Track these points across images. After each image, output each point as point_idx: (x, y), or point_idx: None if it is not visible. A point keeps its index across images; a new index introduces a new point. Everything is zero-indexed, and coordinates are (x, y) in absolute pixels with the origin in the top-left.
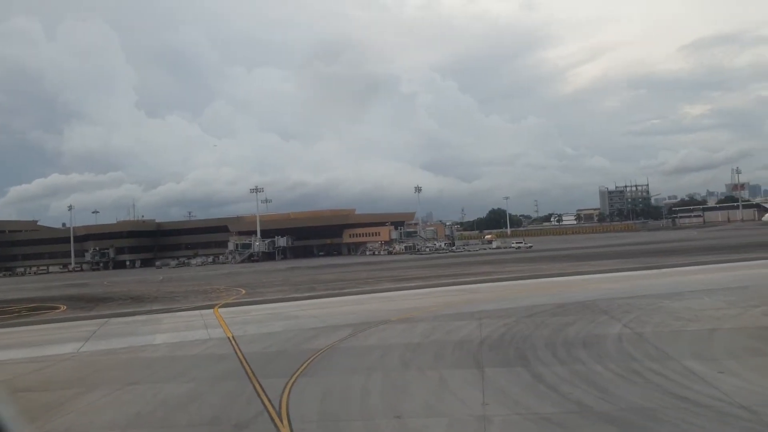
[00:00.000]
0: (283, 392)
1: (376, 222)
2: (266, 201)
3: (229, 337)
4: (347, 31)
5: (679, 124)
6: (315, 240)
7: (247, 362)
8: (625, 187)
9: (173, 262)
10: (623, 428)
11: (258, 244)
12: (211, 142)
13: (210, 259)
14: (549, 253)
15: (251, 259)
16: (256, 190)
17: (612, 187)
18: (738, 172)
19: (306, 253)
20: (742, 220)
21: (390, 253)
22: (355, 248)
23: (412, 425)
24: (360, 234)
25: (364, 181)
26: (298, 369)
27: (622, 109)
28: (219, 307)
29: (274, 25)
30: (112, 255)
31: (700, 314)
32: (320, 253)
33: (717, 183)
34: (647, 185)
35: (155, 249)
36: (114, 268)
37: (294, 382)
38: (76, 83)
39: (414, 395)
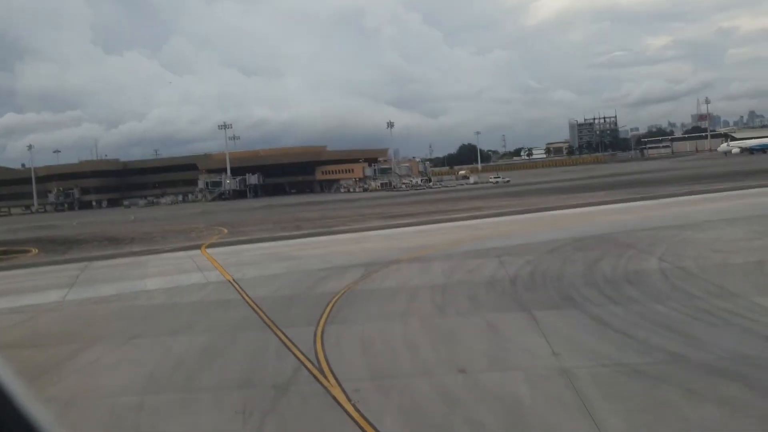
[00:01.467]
0: (315, 343)
1: (348, 159)
2: (234, 138)
3: (229, 281)
4: None
5: (641, 55)
6: (286, 178)
7: (260, 308)
8: (594, 119)
9: (142, 202)
10: (747, 383)
11: (229, 182)
12: (172, 79)
13: (180, 198)
14: (531, 187)
15: (222, 197)
16: (224, 126)
17: (581, 120)
18: (707, 102)
19: (277, 191)
20: (711, 150)
21: (365, 190)
22: (327, 186)
23: (485, 381)
24: (333, 171)
25: (329, 117)
26: (322, 316)
27: (586, 41)
28: (206, 248)
29: None
30: (77, 195)
31: (735, 245)
32: (292, 191)
33: (678, 114)
34: (615, 117)
35: (122, 188)
36: (80, 208)
37: (322, 330)
38: (26, 18)
39: (468, 345)
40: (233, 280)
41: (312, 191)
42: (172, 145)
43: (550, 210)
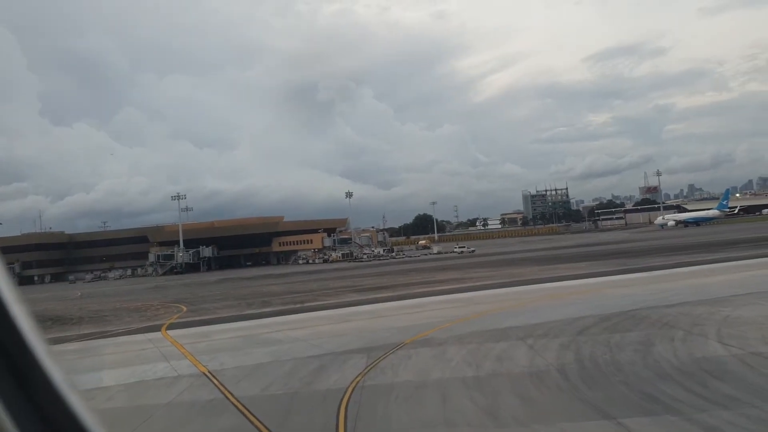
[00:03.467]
0: None
1: (306, 229)
2: (187, 209)
3: (204, 373)
4: (262, 38)
5: (584, 131)
6: (242, 250)
7: (253, 414)
8: (546, 191)
9: (88, 276)
10: None
11: (182, 255)
12: (120, 151)
13: (129, 272)
14: (501, 257)
15: (174, 271)
16: (178, 197)
17: (533, 192)
18: (658, 174)
19: (232, 263)
20: (650, 222)
21: (325, 261)
22: (285, 257)
23: None
24: (291, 242)
25: (283, 189)
26: (338, 426)
27: (531, 117)
28: (166, 329)
29: (186, 32)
30: (17, 270)
31: None
32: (248, 264)
33: (621, 188)
34: (566, 189)
35: (67, 262)
36: (20, 284)
37: None
38: None
39: None
40: (209, 372)
41: (269, 263)
42: (122, 217)
43: (540, 282)
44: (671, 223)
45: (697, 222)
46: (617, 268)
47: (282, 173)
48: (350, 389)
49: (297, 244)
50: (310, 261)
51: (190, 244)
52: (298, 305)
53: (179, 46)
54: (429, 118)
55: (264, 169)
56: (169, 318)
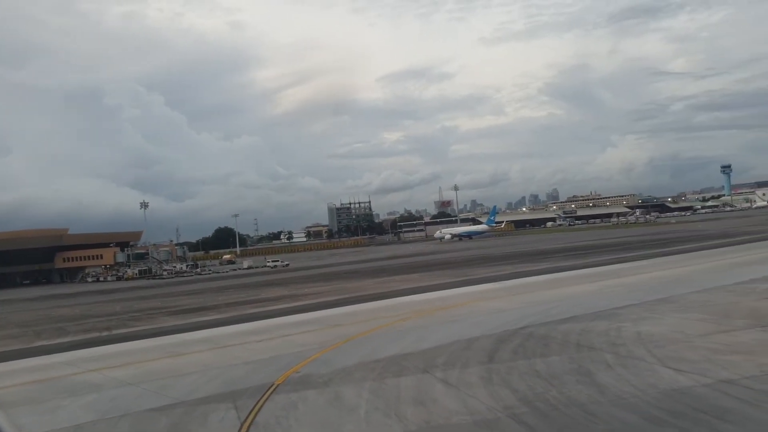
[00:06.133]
0: None
1: (95, 243)
2: None
3: None
4: (38, 36)
5: (379, 148)
6: (17, 267)
7: None
8: (350, 204)
9: None
10: None
11: None
12: None
13: None
14: (323, 270)
15: None
16: None
17: (338, 204)
18: (456, 188)
19: (6, 282)
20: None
21: (120, 278)
22: (71, 275)
23: None
24: (78, 257)
25: (65, 200)
26: None
27: (328, 132)
28: None
29: None
30: None
31: (720, 340)
32: (26, 282)
33: (415, 202)
34: (369, 203)
35: None
36: None
37: None
38: None
39: None
40: None
41: (51, 282)
42: None
43: (389, 297)
44: (448, 236)
45: (470, 236)
46: (457, 279)
47: (63, 183)
48: None
49: (85, 259)
50: (101, 278)
51: None
52: (105, 333)
53: None
54: (226, 128)
55: (42, 179)
56: None
